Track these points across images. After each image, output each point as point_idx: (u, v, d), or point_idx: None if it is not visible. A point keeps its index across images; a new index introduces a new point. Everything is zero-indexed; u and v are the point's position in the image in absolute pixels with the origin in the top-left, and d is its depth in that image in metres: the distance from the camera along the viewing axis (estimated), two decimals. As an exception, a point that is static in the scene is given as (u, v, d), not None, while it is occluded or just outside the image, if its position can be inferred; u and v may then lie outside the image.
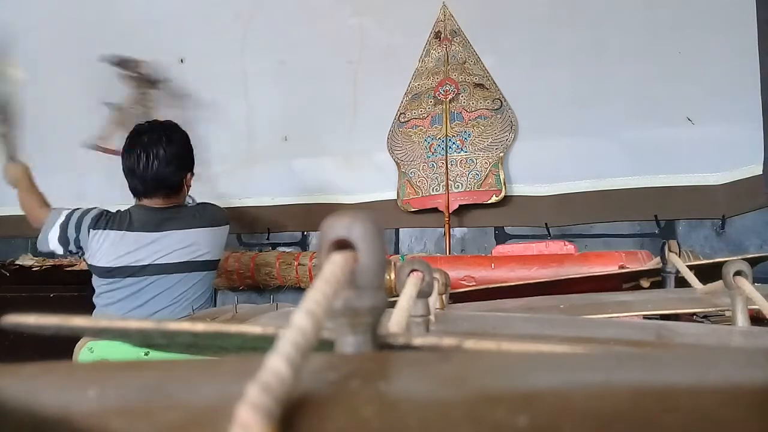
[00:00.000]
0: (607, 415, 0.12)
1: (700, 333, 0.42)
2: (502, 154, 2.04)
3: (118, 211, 1.51)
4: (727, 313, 0.49)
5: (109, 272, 1.45)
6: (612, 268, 1.01)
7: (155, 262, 1.45)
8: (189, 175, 1.55)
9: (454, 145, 2.09)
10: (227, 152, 2.36)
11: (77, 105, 2.44)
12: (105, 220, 1.47)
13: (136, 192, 1.50)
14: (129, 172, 1.47)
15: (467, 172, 2.06)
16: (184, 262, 1.48)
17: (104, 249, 1.44)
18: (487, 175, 2.04)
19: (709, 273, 0.58)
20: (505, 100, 2.07)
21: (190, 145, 1.55)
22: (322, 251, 0.19)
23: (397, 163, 2.18)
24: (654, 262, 0.89)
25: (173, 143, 1.47)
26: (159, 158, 1.44)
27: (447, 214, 2.03)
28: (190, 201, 1.63)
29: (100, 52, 2.43)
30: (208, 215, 1.59)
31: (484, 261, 1.17)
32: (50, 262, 2.24)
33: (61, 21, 2.45)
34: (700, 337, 0.40)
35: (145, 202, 1.49)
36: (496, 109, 2.08)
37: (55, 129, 2.49)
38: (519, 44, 2.04)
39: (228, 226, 1.64)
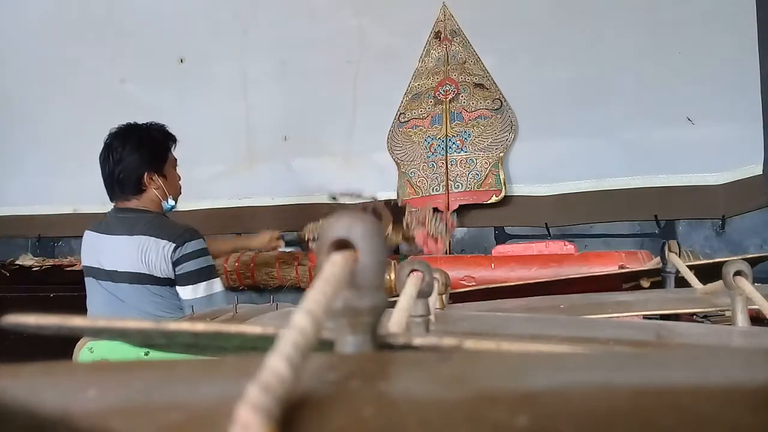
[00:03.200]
0: (607, 415, 0.12)
1: (700, 333, 0.42)
2: (502, 154, 2.04)
3: None
4: (727, 313, 0.49)
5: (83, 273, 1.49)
6: (612, 268, 1.00)
7: (103, 267, 1.41)
8: (154, 175, 1.42)
9: (454, 145, 2.09)
10: (227, 152, 2.36)
11: (77, 104, 2.44)
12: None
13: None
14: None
15: (467, 172, 2.06)
16: (132, 272, 1.36)
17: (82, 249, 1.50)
18: (487, 175, 2.04)
19: (709, 273, 0.58)
20: (505, 100, 2.07)
21: (155, 144, 1.44)
22: (322, 251, 0.19)
23: (397, 163, 2.17)
24: (654, 262, 0.89)
25: (130, 142, 1.42)
26: (114, 157, 1.42)
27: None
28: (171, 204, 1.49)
29: (101, 52, 2.43)
30: (159, 224, 1.40)
31: (484, 261, 1.16)
32: (50, 262, 2.23)
33: (62, 21, 2.45)
34: (700, 337, 0.40)
35: (115, 203, 1.47)
36: (496, 109, 2.07)
37: (54, 129, 2.49)
38: (519, 44, 2.04)
39: (180, 245, 1.36)
